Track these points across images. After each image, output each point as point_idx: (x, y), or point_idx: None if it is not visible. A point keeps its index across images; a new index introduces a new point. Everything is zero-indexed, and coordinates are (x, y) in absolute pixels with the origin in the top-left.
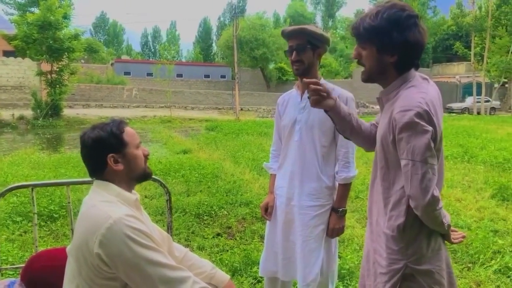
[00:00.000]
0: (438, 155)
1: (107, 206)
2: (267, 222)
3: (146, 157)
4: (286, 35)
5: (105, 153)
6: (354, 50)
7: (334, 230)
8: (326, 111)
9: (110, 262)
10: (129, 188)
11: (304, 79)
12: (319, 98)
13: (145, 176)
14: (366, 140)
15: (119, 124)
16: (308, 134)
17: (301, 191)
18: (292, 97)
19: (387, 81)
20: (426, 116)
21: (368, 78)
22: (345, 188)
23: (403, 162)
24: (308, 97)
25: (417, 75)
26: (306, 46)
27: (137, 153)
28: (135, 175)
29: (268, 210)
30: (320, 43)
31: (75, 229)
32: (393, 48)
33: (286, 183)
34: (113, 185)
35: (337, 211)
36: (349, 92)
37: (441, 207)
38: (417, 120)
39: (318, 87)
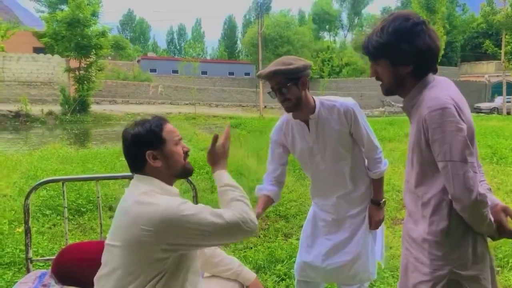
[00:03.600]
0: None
1: (156, 198)
2: (304, 230)
3: (186, 153)
4: (263, 79)
5: (144, 149)
6: (370, 68)
7: (377, 222)
8: None
9: (174, 247)
10: (170, 184)
11: None
12: None
13: (185, 172)
14: None
15: (159, 121)
16: (332, 157)
17: (346, 203)
18: (298, 130)
19: (407, 90)
20: (456, 113)
21: (388, 91)
22: (381, 180)
23: (441, 165)
24: None
25: (436, 77)
26: (286, 84)
27: (176, 150)
28: (174, 172)
29: None
30: (299, 73)
31: (118, 222)
32: (406, 59)
33: (327, 201)
34: (156, 179)
35: (379, 204)
36: (350, 102)
37: (489, 205)
38: (448, 118)
39: None
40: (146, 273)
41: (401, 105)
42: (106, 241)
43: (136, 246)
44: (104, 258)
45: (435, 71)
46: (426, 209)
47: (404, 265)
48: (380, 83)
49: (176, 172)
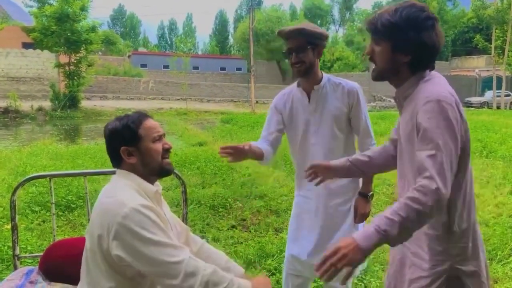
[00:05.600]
0: (467, 147)
1: (123, 195)
2: (290, 223)
3: (167, 150)
4: (284, 36)
5: (119, 145)
6: (368, 46)
7: (362, 214)
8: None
9: (124, 252)
10: (150, 182)
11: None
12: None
13: (162, 170)
14: (388, 163)
15: (138, 117)
16: (325, 134)
17: (327, 191)
18: (298, 99)
19: (400, 80)
20: (453, 105)
21: (378, 75)
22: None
23: (426, 153)
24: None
25: (432, 72)
26: (306, 47)
27: (153, 147)
28: (150, 170)
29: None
30: (320, 41)
31: (92, 215)
32: (408, 47)
33: (311, 185)
34: (134, 175)
35: (367, 196)
36: (356, 84)
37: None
38: (445, 108)
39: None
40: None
41: (394, 98)
42: (85, 234)
43: (96, 241)
44: (83, 253)
45: (432, 68)
46: None
47: (399, 259)
48: (373, 67)
49: (153, 170)
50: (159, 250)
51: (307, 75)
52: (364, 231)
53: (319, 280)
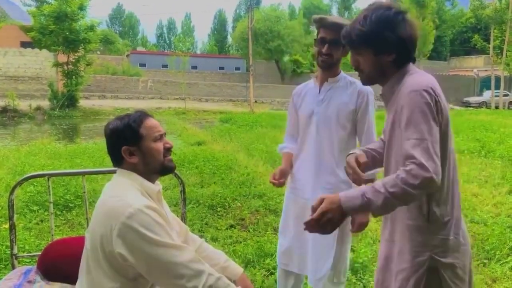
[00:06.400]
0: (446, 139)
1: (128, 195)
2: (282, 216)
3: (168, 150)
4: (326, 24)
5: (120, 145)
6: (351, 58)
7: (360, 224)
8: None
9: (127, 252)
10: (151, 180)
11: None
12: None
13: (164, 169)
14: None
15: (139, 116)
16: (326, 127)
17: (316, 185)
18: (310, 89)
19: (388, 79)
20: (434, 94)
21: (368, 80)
22: (372, 182)
23: (412, 142)
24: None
25: (414, 66)
26: (339, 42)
27: (154, 146)
28: (152, 169)
29: (277, 176)
30: None
31: (94, 214)
32: (389, 47)
33: (301, 175)
34: (136, 174)
35: None
36: (369, 88)
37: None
38: (426, 97)
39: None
40: (109, 265)
41: (381, 95)
42: (85, 234)
43: (98, 241)
44: (83, 252)
45: (414, 60)
46: None
47: (385, 257)
48: (359, 73)
49: (155, 169)
50: (164, 250)
51: (330, 69)
52: (350, 193)
53: None
